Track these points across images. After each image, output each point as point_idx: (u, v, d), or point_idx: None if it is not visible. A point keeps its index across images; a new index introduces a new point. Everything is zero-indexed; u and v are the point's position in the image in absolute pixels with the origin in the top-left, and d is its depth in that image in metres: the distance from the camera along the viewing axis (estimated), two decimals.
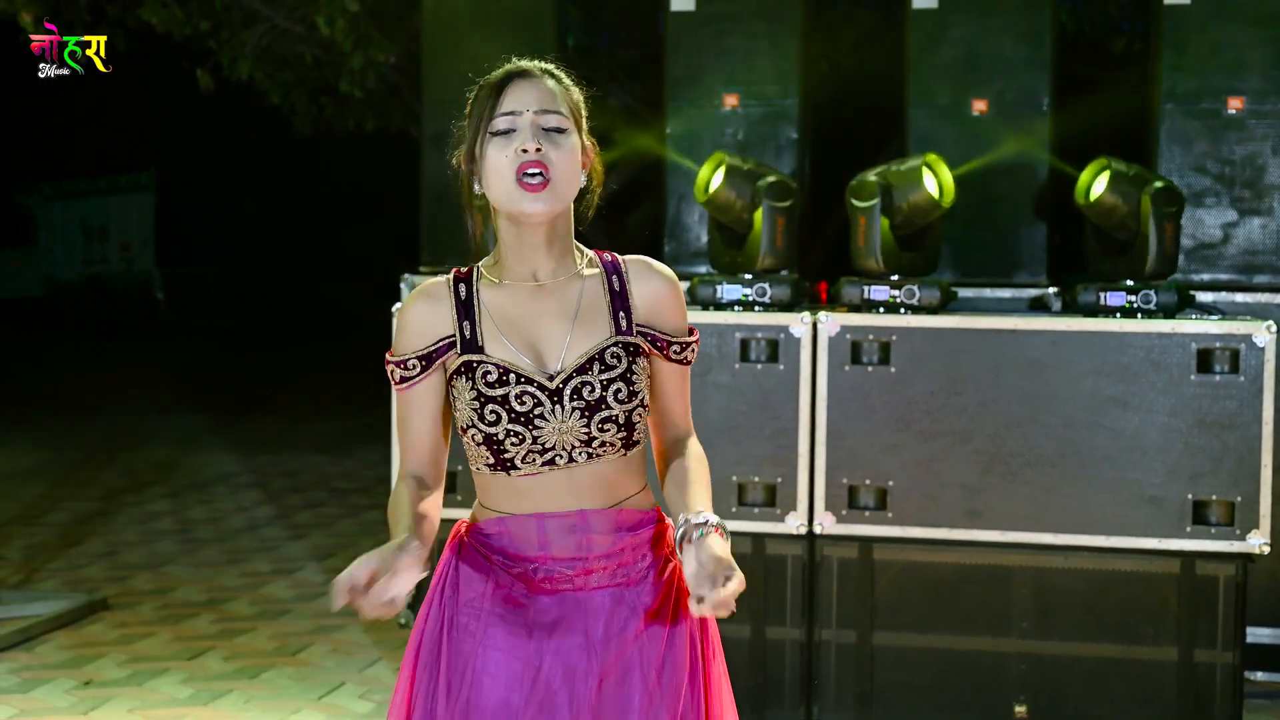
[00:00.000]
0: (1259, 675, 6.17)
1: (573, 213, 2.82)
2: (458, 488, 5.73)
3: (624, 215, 11.22)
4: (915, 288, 5.68)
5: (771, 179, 5.91)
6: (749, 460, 5.50)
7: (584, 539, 2.76)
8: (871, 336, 5.54)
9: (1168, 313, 5.56)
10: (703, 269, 6.66)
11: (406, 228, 7.37)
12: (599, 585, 2.77)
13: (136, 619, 7.27)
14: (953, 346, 5.51)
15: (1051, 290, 6.39)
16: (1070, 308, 5.95)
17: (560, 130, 2.73)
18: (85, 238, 30.99)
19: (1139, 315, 5.56)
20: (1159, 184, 5.78)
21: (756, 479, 5.54)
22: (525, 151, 2.69)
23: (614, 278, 2.81)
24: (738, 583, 2.55)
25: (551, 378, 2.72)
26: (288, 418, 15.57)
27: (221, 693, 6.14)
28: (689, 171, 6.62)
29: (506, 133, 2.72)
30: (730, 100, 6.78)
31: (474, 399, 2.71)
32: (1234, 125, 6.38)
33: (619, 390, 2.74)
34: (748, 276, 5.79)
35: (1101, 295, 5.64)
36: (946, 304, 5.78)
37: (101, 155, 30.09)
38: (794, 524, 5.56)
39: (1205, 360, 5.34)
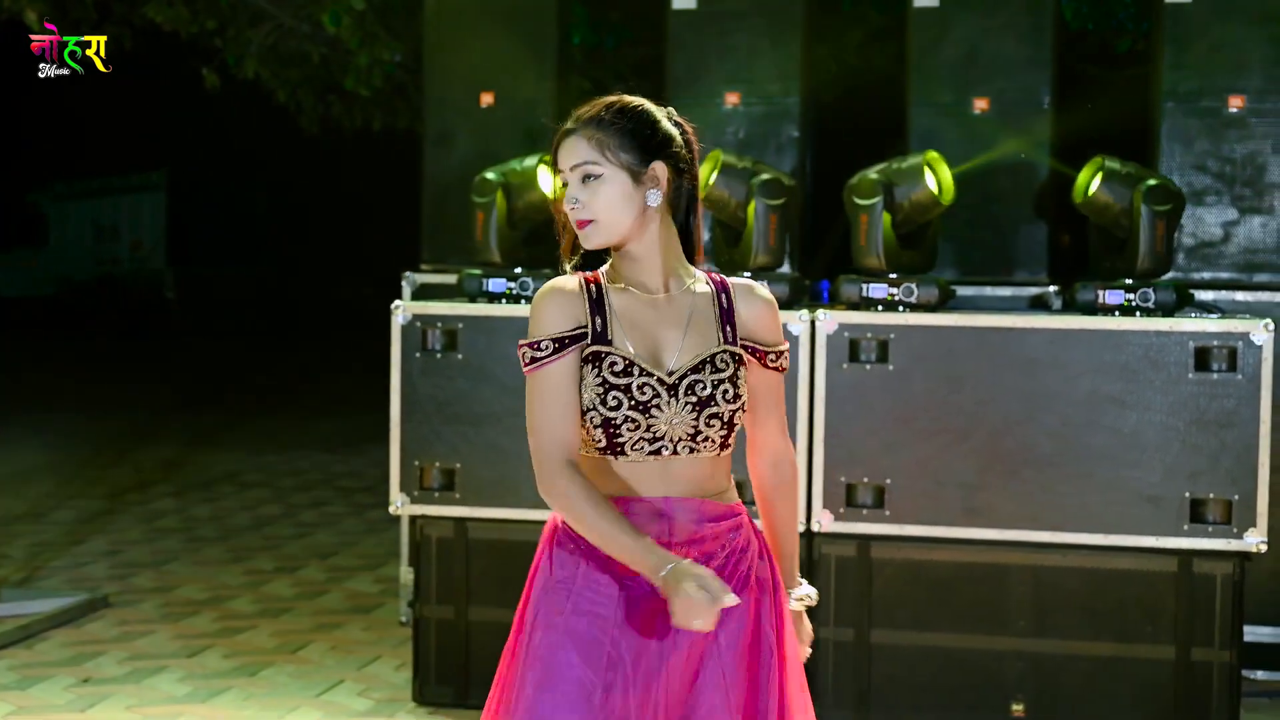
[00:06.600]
0: (1259, 674, 6.15)
1: (676, 235, 3.15)
2: (456, 486, 5.74)
3: None
4: (914, 285, 5.67)
5: (765, 176, 5.90)
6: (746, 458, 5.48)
7: (667, 525, 3.05)
8: (870, 335, 5.53)
9: (1166, 311, 5.54)
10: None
11: (413, 227, 7.35)
12: None
13: (137, 617, 7.28)
14: (951, 345, 5.50)
15: (1052, 289, 6.38)
16: (1069, 306, 5.95)
17: (595, 177, 3.06)
18: (96, 237, 31.05)
19: (1137, 314, 5.55)
20: (1152, 181, 5.78)
21: None
22: (571, 209, 3.08)
23: (722, 295, 3.16)
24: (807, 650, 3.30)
25: (669, 374, 3.06)
26: (296, 417, 15.60)
27: (219, 690, 6.14)
28: None
29: (565, 185, 3.11)
30: (732, 98, 6.78)
31: (599, 385, 3.03)
32: (1235, 124, 6.37)
33: (726, 391, 3.08)
34: (746, 274, 5.77)
35: (1100, 294, 5.62)
36: (945, 302, 5.77)
37: (112, 154, 30.13)
38: None
39: (1203, 358, 5.33)
